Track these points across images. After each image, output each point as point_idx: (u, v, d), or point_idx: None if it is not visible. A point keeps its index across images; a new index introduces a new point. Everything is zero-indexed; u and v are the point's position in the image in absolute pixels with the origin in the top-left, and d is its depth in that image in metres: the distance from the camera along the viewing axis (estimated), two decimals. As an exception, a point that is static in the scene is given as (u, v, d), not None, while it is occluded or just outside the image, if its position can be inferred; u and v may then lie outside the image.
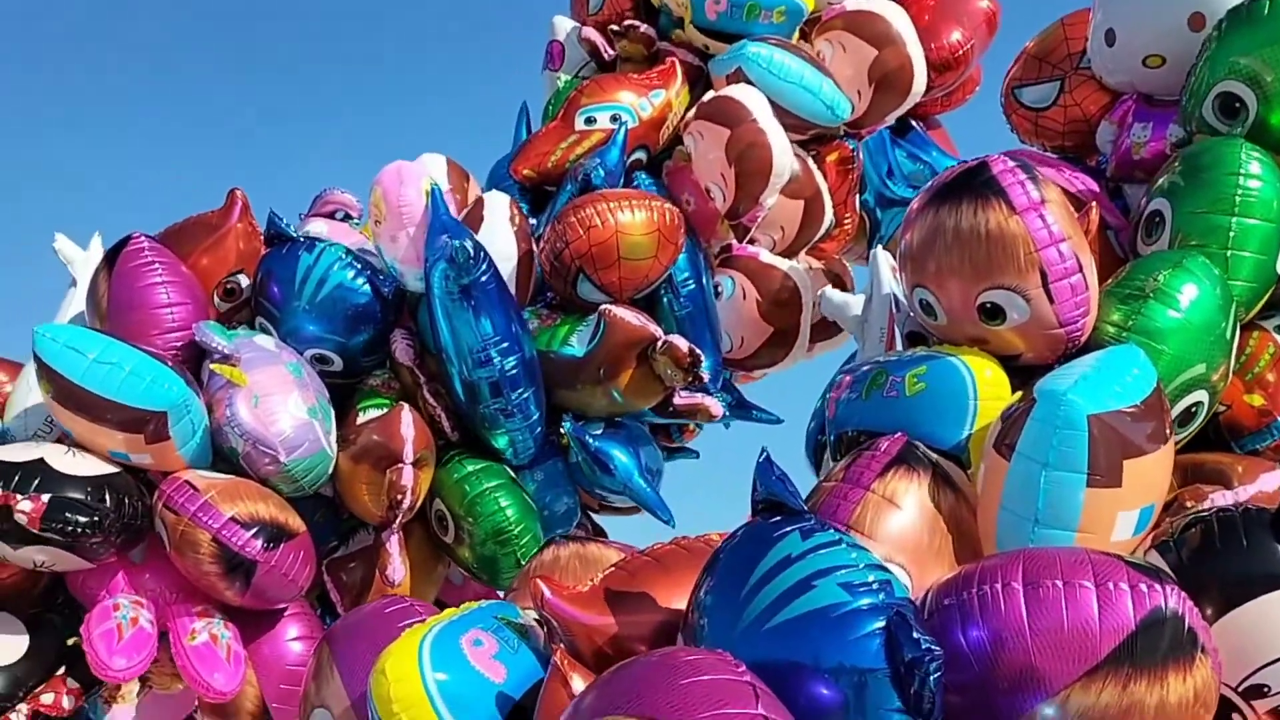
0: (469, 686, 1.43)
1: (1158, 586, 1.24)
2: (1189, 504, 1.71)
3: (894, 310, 2.32)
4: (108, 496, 2.37)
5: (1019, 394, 1.68)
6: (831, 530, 1.26)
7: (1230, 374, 1.86)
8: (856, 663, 1.15)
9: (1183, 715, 1.24)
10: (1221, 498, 1.72)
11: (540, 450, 2.79)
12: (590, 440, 2.73)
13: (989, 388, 1.72)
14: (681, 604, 1.44)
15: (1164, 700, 1.22)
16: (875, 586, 1.19)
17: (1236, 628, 1.40)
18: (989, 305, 1.75)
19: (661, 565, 1.54)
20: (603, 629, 1.45)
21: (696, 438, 3.26)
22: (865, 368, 1.91)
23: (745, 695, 1.07)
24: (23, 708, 2.43)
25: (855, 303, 2.63)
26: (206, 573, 2.37)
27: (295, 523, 2.48)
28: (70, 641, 2.52)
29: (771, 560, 1.23)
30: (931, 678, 1.12)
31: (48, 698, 2.44)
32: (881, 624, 1.15)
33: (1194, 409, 1.80)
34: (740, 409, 3.24)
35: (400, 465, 2.53)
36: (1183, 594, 1.26)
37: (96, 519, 2.34)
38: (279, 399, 2.54)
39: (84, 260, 2.87)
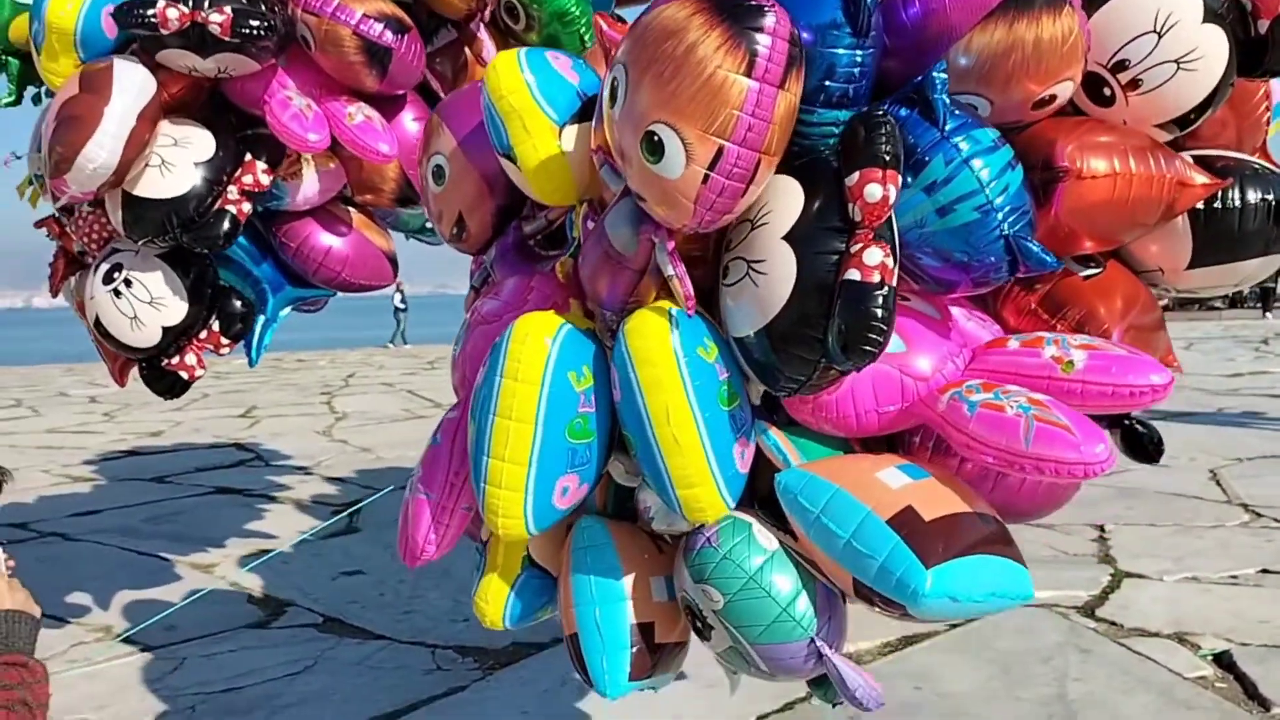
0: (554, 81, 2.00)
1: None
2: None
3: None
4: (262, 2, 2.81)
5: None
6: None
7: None
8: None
9: (1053, 50, 1.78)
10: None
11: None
12: None
13: None
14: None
15: (1039, 36, 1.75)
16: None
17: (1107, 18, 1.91)
18: None
19: None
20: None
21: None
22: None
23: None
24: (231, 188, 3.00)
25: None
26: (352, 64, 2.90)
27: (408, 20, 2.97)
28: (246, 133, 3.07)
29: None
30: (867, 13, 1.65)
31: (248, 179, 3.03)
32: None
33: None
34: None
35: None
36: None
37: (268, 23, 2.77)
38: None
39: None
